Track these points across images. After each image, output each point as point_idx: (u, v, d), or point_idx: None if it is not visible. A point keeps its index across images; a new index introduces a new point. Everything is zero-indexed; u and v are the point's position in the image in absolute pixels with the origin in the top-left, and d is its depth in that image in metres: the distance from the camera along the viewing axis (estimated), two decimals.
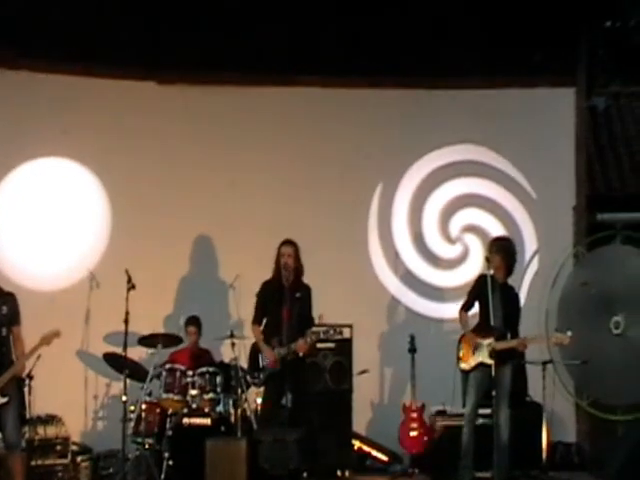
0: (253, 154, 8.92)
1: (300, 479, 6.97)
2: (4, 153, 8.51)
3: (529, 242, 9.04)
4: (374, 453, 8.27)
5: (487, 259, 7.21)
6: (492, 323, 7.00)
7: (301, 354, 7.08)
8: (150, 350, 8.00)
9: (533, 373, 7.86)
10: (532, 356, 7.80)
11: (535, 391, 7.88)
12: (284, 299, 7.03)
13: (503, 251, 7.22)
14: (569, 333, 7.09)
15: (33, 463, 7.34)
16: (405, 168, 9.18)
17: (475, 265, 8.74)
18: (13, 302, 6.62)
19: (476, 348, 7.12)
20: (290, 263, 7.11)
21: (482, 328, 7.13)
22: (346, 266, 8.87)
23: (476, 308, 7.30)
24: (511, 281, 7.40)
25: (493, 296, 6.98)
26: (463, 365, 7.24)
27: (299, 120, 9.03)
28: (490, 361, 6.96)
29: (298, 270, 7.13)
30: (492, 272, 7.14)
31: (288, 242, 7.17)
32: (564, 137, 9.12)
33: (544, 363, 7.68)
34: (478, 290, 7.16)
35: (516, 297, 7.36)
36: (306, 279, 7.27)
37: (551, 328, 8.21)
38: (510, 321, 7.14)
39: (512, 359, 7.21)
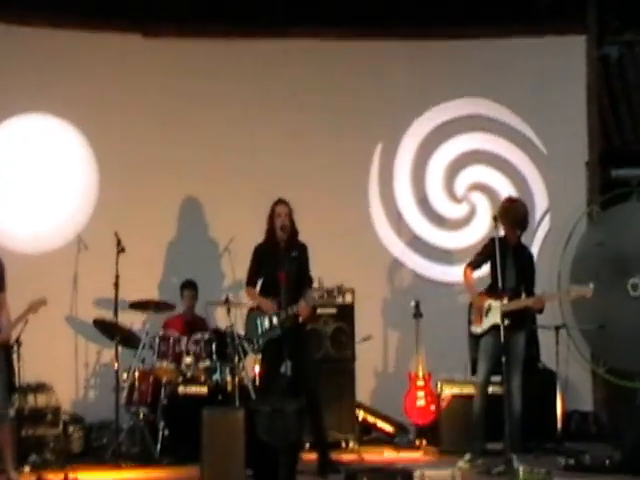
0: (245, 109, 8.60)
1: (301, 452, 6.63)
2: None
3: (540, 201, 8.76)
4: (379, 424, 8.01)
5: (495, 218, 6.83)
6: (503, 286, 6.64)
7: (301, 319, 6.71)
8: (143, 315, 7.77)
9: (545, 338, 7.62)
10: (544, 321, 7.52)
11: (548, 357, 7.62)
12: (280, 261, 6.72)
13: (511, 216, 6.87)
14: (591, 285, 6.65)
15: (23, 433, 7.08)
16: (406, 125, 8.87)
17: (483, 225, 8.49)
18: None
19: (488, 310, 6.81)
20: (287, 223, 6.79)
21: (494, 290, 6.78)
22: (346, 228, 8.59)
23: (487, 270, 6.96)
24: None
25: (505, 259, 6.69)
26: (475, 328, 6.93)
27: (292, 74, 8.68)
28: (502, 323, 6.57)
29: (293, 230, 6.80)
30: (502, 233, 6.77)
31: (282, 202, 6.86)
32: (575, 89, 8.84)
33: (557, 328, 7.38)
34: (488, 253, 6.86)
35: (530, 257, 7.05)
36: (304, 241, 6.93)
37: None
38: (525, 282, 6.82)
39: (525, 323, 6.87)
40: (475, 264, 6.96)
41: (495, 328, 6.69)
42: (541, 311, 6.94)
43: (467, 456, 6.68)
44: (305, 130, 8.66)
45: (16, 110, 8.26)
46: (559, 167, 8.72)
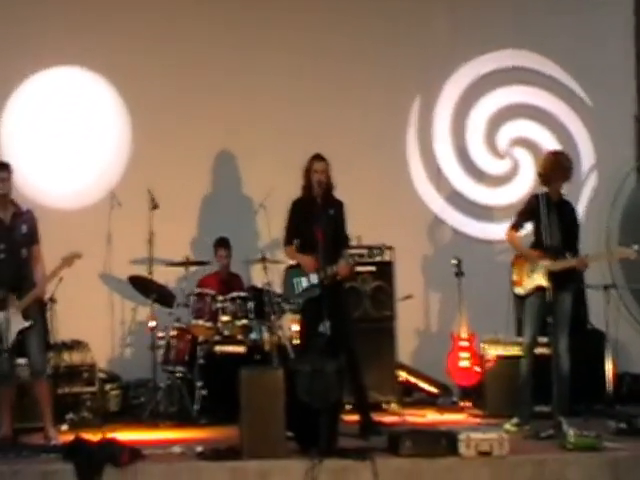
0: (280, 58, 8.36)
1: (342, 412, 6.48)
2: (10, 64, 7.99)
3: (586, 155, 8.53)
4: (422, 385, 7.88)
5: (540, 174, 6.57)
6: (547, 243, 6.41)
7: (339, 277, 6.51)
8: (177, 273, 7.66)
9: (594, 298, 7.40)
10: (593, 280, 7.32)
11: (597, 318, 7.41)
12: (317, 218, 6.51)
13: (559, 168, 6.57)
14: (635, 247, 6.41)
15: (59, 391, 7.02)
16: (445, 76, 8.64)
17: (526, 181, 8.29)
18: (32, 220, 6.23)
19: (532, 270, 6.55)
20: (324, 179, 6.58)
21: (538, 248, 6.53)
22: (384, 183, 8.40)
23: (530, 229, 6.71)
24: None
25: (548, 215, 6.43)
26: (518, 290, 6.68)
27: (329, 24, 8.43)
28: (548, 284, 6.34)
29: (330, 186, 6.61)
30: (545, 190, 6.52)
31: (320, 157, 6.64)
32: (622, 38, 8.63)
33: (606, 288, 7.13)
34: (530, 211, 6.59)
35: (573, 212, 6.74)
36: (340, 197, 6.71)
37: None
38: (569, 239, 6.56)
39: (572, 282, 6.62)
40: (518, 225, 6.68)
41: (540, 289, 6.47)
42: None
43: (514, 420, 6.50)
44: (342, 81, 8.42)
45: (46, 62, 8.10)
46: (606, 120, 8.49)
